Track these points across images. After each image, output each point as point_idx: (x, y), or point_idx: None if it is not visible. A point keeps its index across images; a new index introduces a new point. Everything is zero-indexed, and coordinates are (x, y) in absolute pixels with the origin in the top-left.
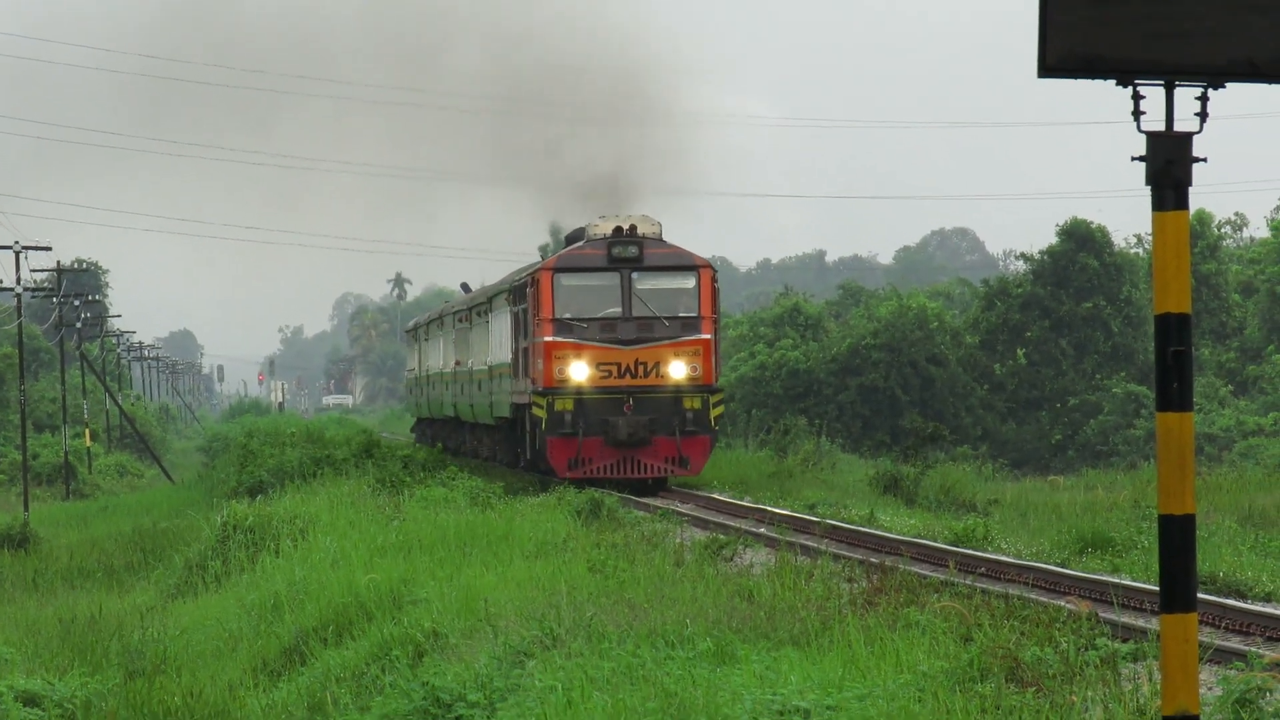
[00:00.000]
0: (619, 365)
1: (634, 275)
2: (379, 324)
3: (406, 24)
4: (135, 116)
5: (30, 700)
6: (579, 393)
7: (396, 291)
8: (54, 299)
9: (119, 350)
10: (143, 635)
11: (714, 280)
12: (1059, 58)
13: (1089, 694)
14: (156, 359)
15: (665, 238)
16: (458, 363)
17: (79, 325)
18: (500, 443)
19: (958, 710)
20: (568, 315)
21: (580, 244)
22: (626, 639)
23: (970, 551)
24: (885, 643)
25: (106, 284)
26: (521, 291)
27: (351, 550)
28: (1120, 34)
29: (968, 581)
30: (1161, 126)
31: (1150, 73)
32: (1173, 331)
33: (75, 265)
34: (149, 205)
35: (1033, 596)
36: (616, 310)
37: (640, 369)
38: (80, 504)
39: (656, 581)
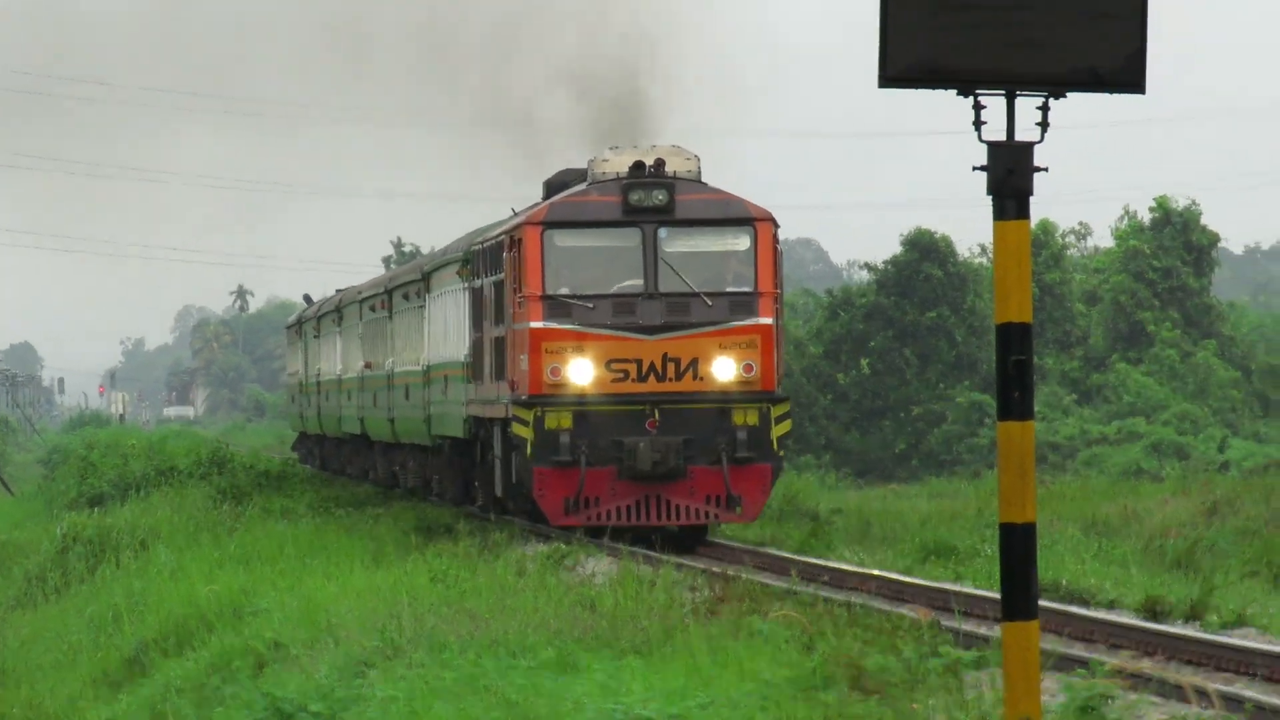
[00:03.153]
0: (640, 363)
1: (661, 232)
2: (221, 336)
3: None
4: None
5: None
6: (582, 402)
7: (239, 303)
8: None
9: None
10: None
11: (775, 239)
12: (900, 68)
13: (932, 702)
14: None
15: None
16: (368, 364)
17: None
18: (443, 471)
19: (801, 719)
20: (564, 290)
21: (582, 187)
22: (468, 649)
23: (813, 560)
24: (728, 651)
25: None
26: (491, 257)
27: (191, 561)
28: (961, 44)
29: (810, 590)
30: (1003, 136)
31: (991, 83)
32: (1014, 341)
33: None
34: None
35: (875, 605)
36: (636, 283)
37: (671, 368)
38: None
39: (498, 591)
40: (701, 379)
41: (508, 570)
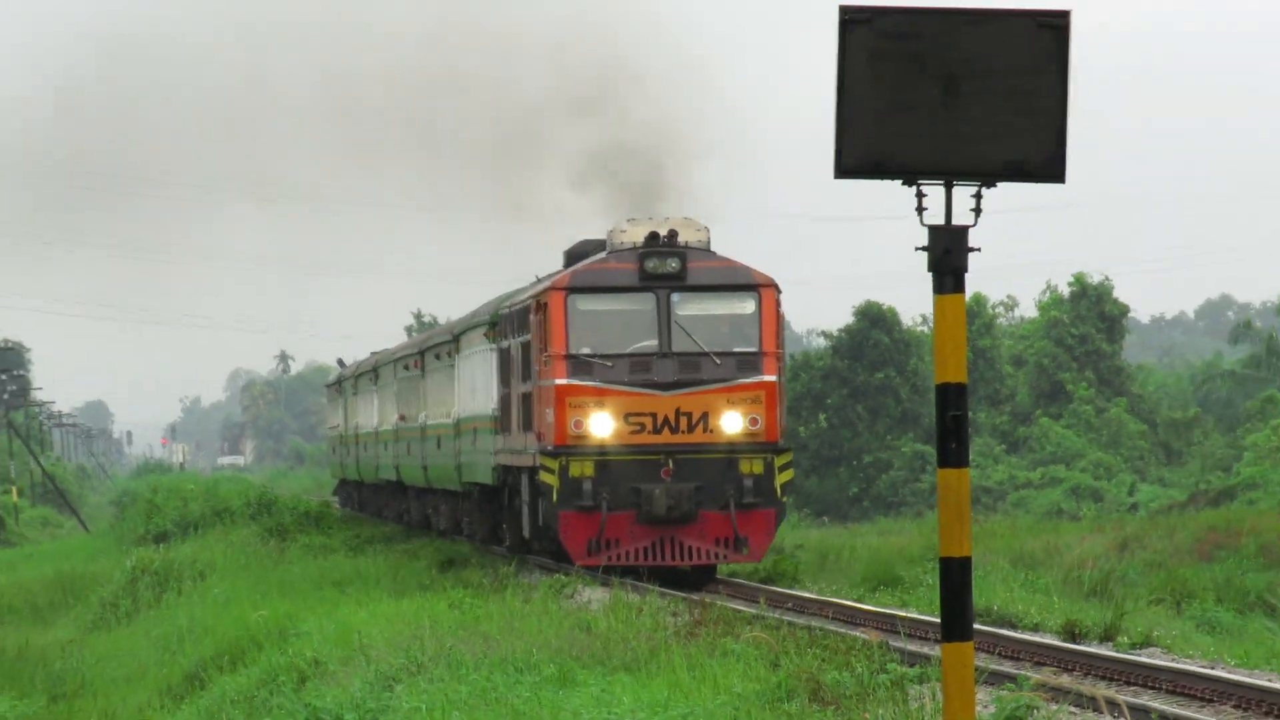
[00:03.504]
0: (655, 416)
1: (674, 297)
2: (266, 394)
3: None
4: (51, 213)
5: None
6: (602, 452)
7: (281, 366)
8: None
9: (40, 418)
10: (64, 664)
11: (778, 303)
12: (853, 161)
13: (881, 712)
14: (74, 425)
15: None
16: (402, 417)
17: (5, 397)
18: (472, 514)
19: None
20: (586, 350)
21: (602, 256)
22: (481, 666)
23: (778, 589)
24: (705, 668)
25: (29, 360)
26: (519, 320)
27: (243, 590)
28: (905, 140)
29: (776, 615)
30: (941, 220)
31: (931, 174)
32: (951, 399)
33: (3, 345)
34: (66, 292)
35: (832, 628)
36: (652, 343)
37: (683, 421)
38: (8, 551)
39: (507, 616)
40: (711, 431)
41: (515, 598)
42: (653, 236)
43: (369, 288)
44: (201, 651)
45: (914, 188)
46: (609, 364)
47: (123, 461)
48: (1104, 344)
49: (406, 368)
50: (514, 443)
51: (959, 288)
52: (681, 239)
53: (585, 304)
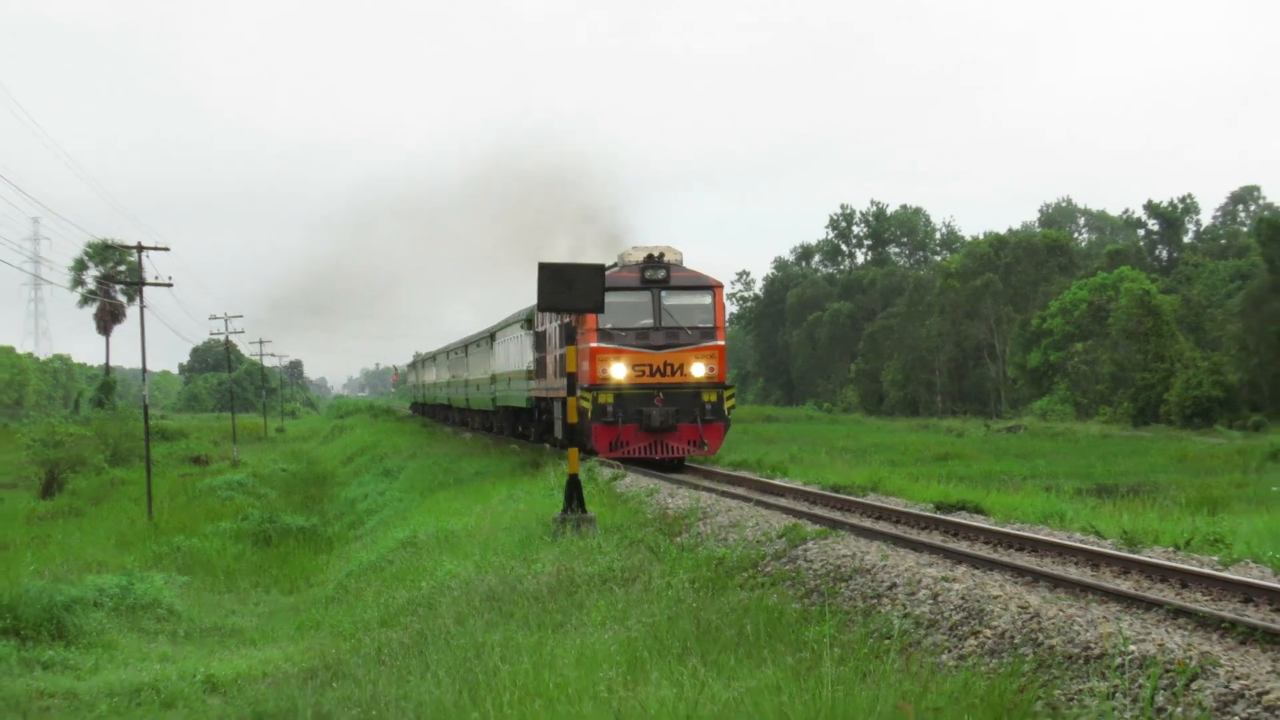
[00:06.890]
0: (651, 366)
1: (663, 293)
2: (373, 375)
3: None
4: (304, 300)
5: (284, 470)
6: (619, 388)
7: (375, 365)
8: (288, 370)
9: (306, 385)
10: (309, 454)
11: (723, 297)
12: (545, 304)
13: (551, 469)
14: (315, 384)
15: (684, 264)
16: (453, 375)
17: (296, 375)
18: (502, 422)
19: (525, 481)
20: (610, 325)
21: (617, 268)
22: (446, 456)
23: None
24: (532, 479)
25: (302, 364)
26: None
27: (364, 432)
28: (558, 300)
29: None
30: (567, 321)
31: (564, 310)
32: (571, 381)
33: (293, 359)
34: (314, 341)
35: (550, 452)
36: (649, 321)
37: (668, 369)
38: (296, 421)
39: (456, 447)
40: (685, 375)
41: (458, 441)
42: (649, 256)
43: (410, 330)
44: (351, 449)
45: (559, 313)
46: (624, 334)
47: (330, 394)
48: None
49: (454, 354)
50: (548, 383)
51: (573, 343)
52: (667, 258)
53: (609, 298)
